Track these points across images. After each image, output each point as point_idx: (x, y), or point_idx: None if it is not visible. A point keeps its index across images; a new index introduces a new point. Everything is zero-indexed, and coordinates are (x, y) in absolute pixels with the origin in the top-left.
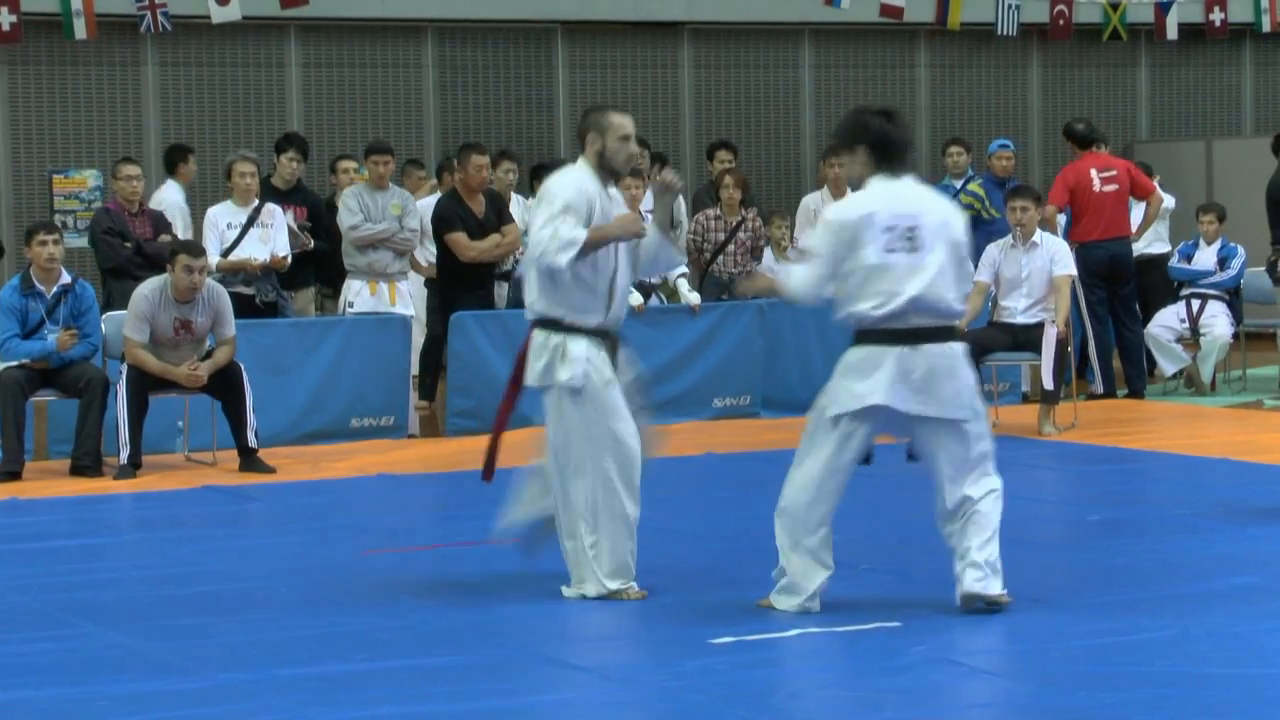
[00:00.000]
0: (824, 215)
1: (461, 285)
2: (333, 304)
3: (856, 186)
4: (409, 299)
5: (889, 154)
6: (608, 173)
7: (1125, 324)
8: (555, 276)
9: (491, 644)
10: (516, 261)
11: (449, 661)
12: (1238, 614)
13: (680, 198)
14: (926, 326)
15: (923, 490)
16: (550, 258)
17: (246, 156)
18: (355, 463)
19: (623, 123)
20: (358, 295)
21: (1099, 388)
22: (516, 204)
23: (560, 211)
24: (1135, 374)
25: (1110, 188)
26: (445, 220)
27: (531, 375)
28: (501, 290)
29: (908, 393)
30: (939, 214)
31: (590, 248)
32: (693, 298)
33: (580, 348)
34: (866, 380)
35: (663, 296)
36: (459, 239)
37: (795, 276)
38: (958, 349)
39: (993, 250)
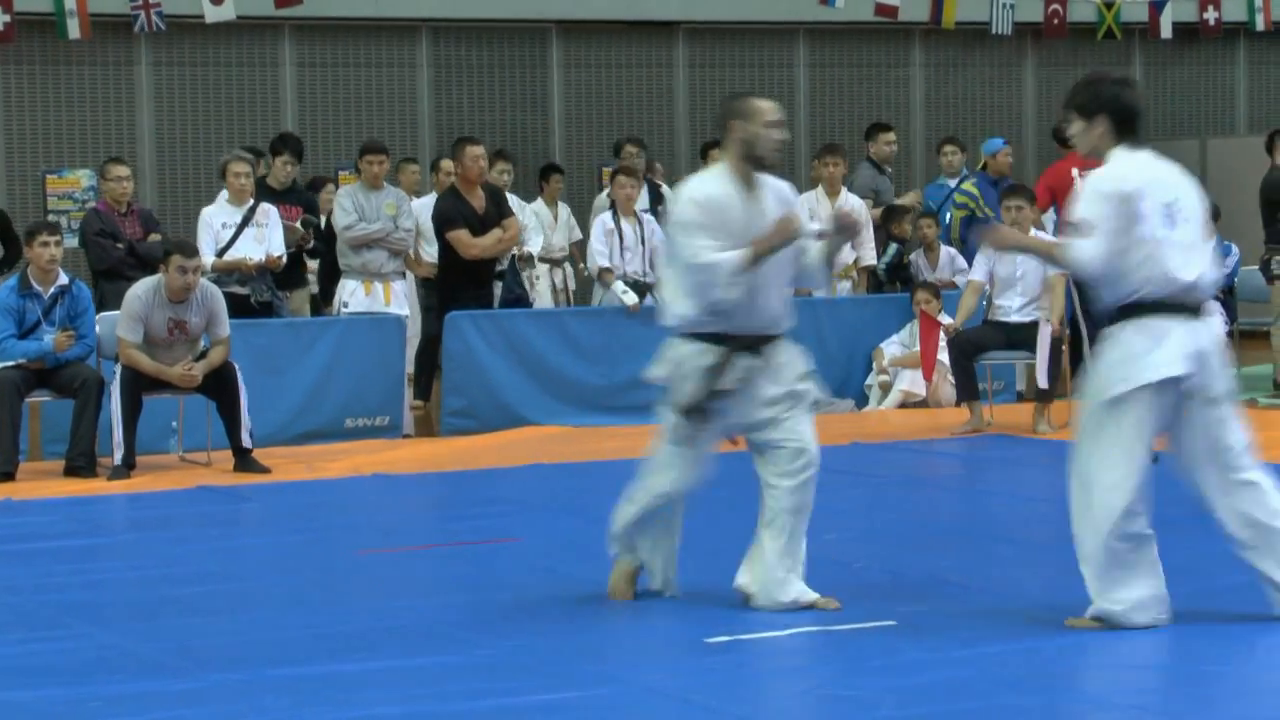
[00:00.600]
0: (1094, 187)
1: (464, 283)
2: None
3: (1089, 157)
4: (404, 299)
5: (1133, 124)
6: (753, 163)
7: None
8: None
9: (487, 644)
10: (514, 259)
11: (444, 661)
12: (1233, 612)
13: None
14: (1197, 302)
15: (917, 488)
16: (721, 293)
17: (241, 156)
18: (350, 463)
19: (769, 108)
20: (352, 295)
21: None
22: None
23: (696, 236)
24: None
25: None
26: (446, 218)
27: None
28: (495, 289)
29: (1199, 366)
30: (1190, 189)
31: (756, 264)
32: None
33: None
34: (1159, 352)
35: (657, 295)
36: (461, 236)
37: (1082, 249)
38: (1216, 325)
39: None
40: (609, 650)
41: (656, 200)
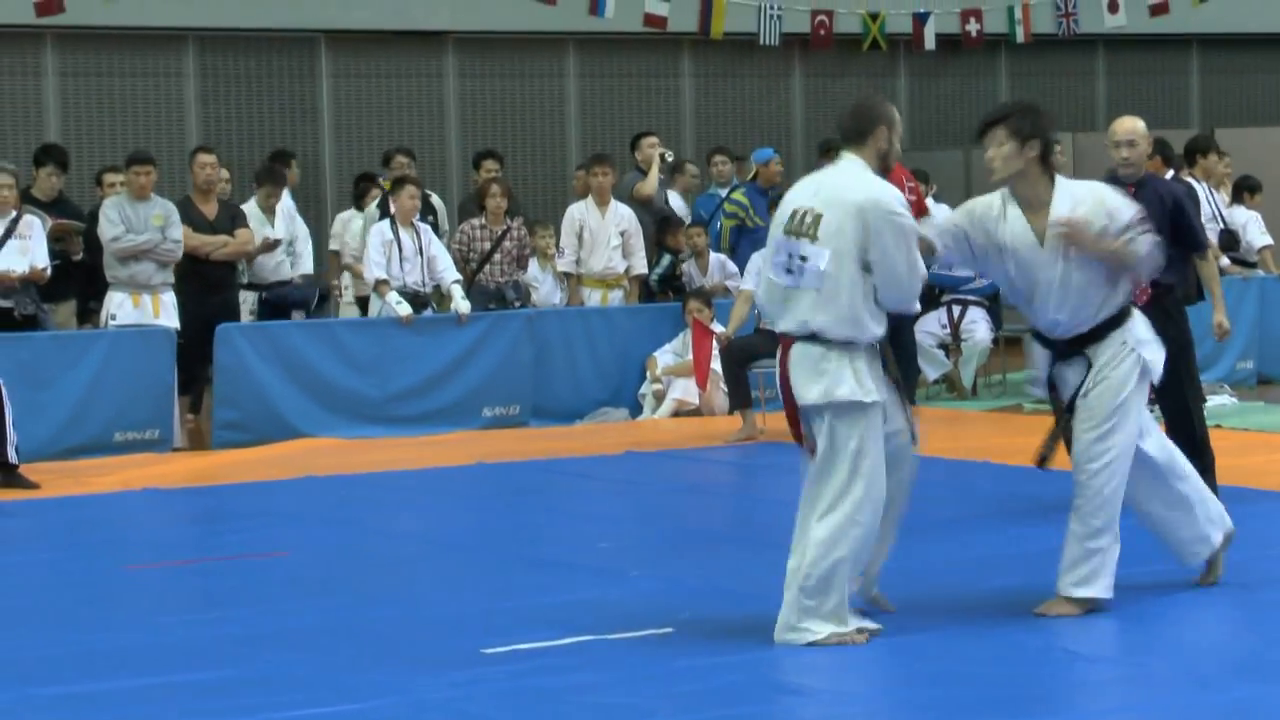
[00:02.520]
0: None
1: (200, 289)
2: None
3: (1008, 179)
4: (173, 310)
5: (1050, 154)
6: (883, 171)
7: (899, 330)
8: None
9: (257, 659)
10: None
11: (218, 677)
12: (999, 615)
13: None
14: None
15: (691, 496)
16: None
17: (4, 168)
18: (119, 477)
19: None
20: (120, 307)
21: None
22: (282, 218)
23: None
24: (904, 378)
25: None
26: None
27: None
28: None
29: None
30: None
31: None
32: (463, 306)
33: None
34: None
35: (435, 305)
36: (186, 230)
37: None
38: None
39: (757, 259)
40: (386, 662)
41: (426, 210)
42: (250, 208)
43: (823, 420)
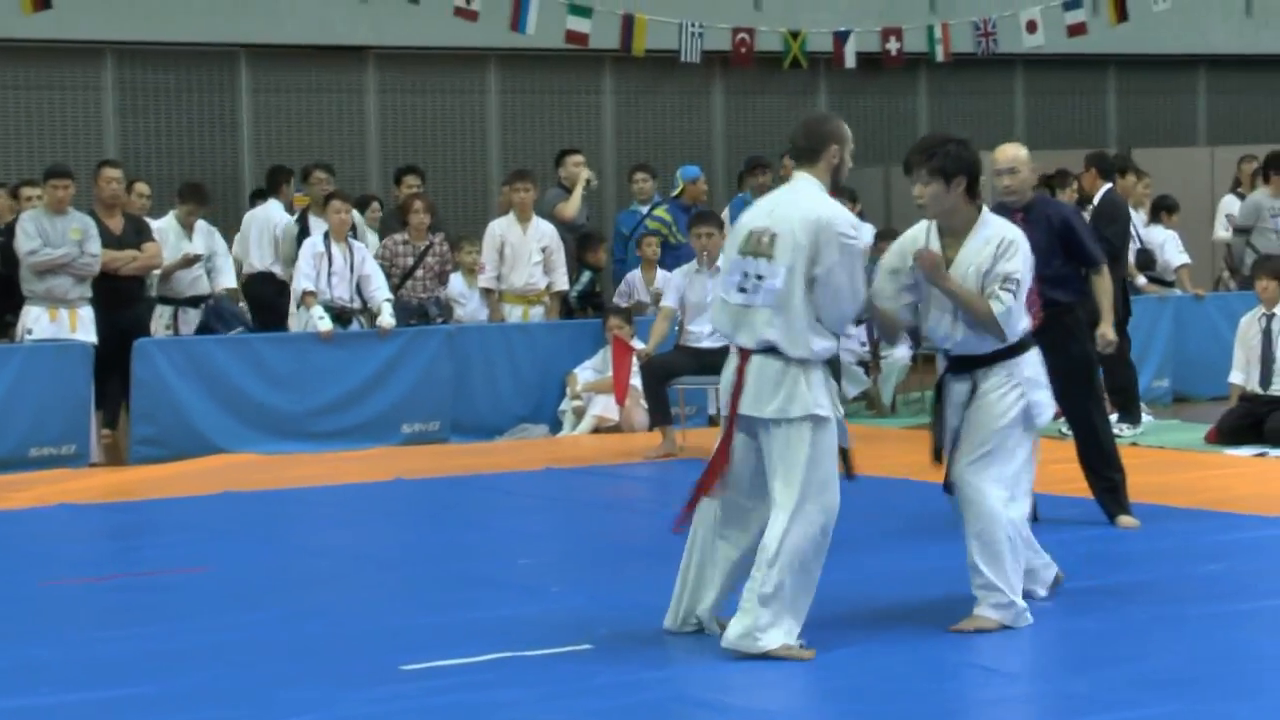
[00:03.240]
0: (1025, 250)
1: (110, 303)
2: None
3: (940, 218)
4: (90, 325)
5: (977, 184)
6: (835, 186)
7: None
8: None
9: (175, 675)
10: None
11: (130, 693)
12: (924, 630)
13: None
14: None
15: (611, 512)
16: None
17: None
18: (34, 493)
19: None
20: (36, 322)
21: None
22: (200, 232)
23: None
24: None
25: None
26: None
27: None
28: (189, 315)
29: None
30: None
31: None
32: (386, 322)
33: None
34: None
35: (363, 321)
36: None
37: (1010, 310)
38: None
39: (677, 276)
40: (305, 678)
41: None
42: (168, 222)
43: (771, 434)
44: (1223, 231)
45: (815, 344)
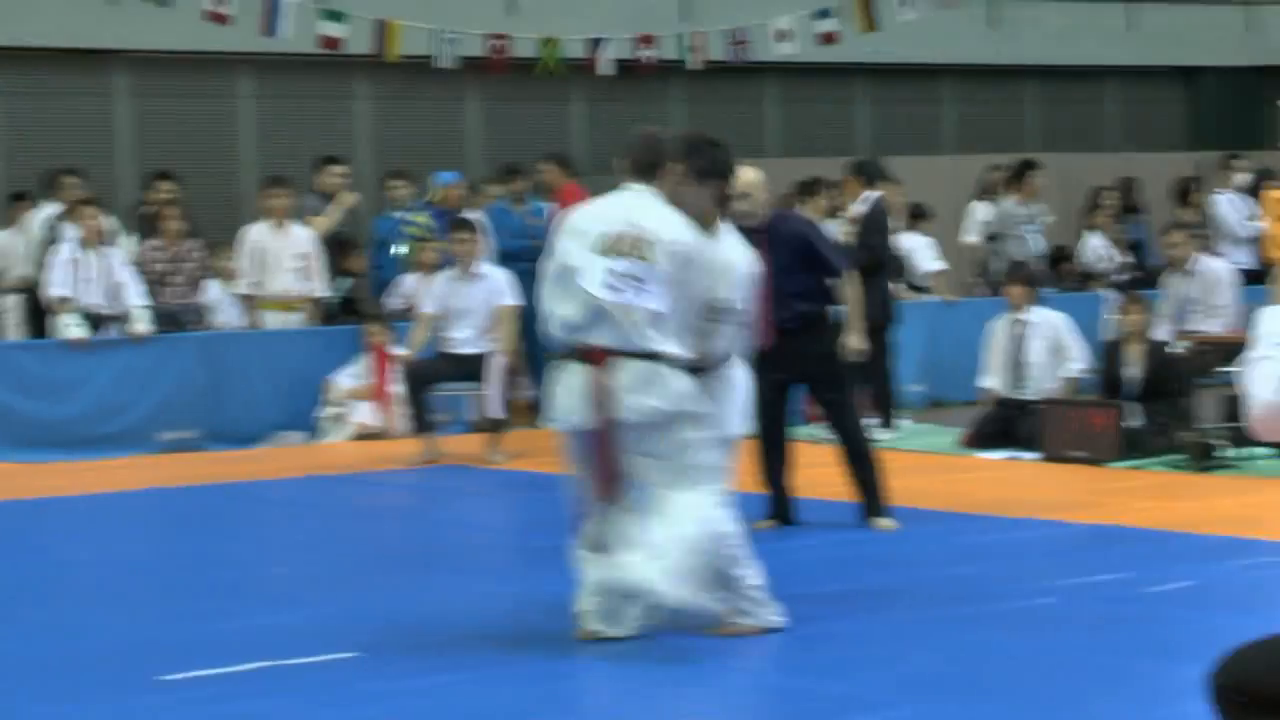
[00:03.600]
0: (742, 292)
1: None
2: None
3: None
4: None
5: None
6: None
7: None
8: None
9: None
10: None
11: None
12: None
13: None
14: None
15: (372, 519)
16: None
17: None
18: None
19: None
20: None
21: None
22: None
23: None
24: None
25: None
26: None
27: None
28: None
29: None
30: None
31: None
32: (140, 326)
33: None
34: None
35: (119, 328)
36: None
37: None
38: None
39: (439, 282)
40: (57, 692)
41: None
42: None
43: (648, 433)
44: (972, 236)
45: (685, 344)
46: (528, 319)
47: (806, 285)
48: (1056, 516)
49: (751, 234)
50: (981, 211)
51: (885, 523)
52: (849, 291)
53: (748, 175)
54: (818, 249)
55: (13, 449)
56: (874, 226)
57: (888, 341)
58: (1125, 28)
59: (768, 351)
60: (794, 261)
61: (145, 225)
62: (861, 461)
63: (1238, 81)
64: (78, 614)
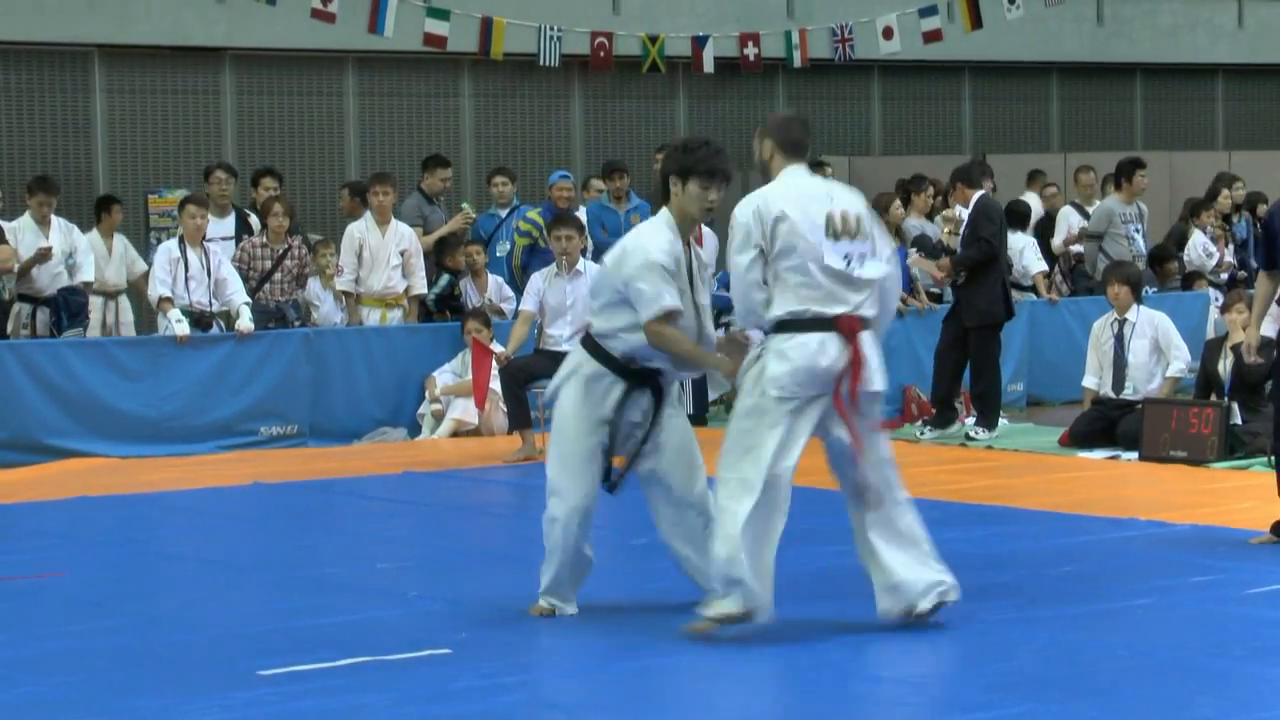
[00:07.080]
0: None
1: None
2: None
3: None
4: None
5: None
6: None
7: None
8: None
9: (25, 682)
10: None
11: None
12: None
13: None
14: None
15: (471, 515)
16: None
17: None
18: None
19: None
20: None
21: None
22: (58, 229)
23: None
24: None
25: None
26: None
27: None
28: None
29: None
30: None
31: None
32: (245, 325)
33: None
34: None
35: (223, 324)
36: None
37: None
38: None
39: (537, 279)
40: (159, 685)
41: (245, 227)
42: (23, 221)
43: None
44: (1059, 243)
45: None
46: None
47: None
48: (1157, 517)
49: None
50: (1070, 216)
51: None
52: None
53: None
54: None
55: (118, 444)
56: (985, 217)
57: (1000, 340)
58: (1236, 25)
59: None
60: None
61: (244, 223)
62: None
63: None
64: (179, 608)
